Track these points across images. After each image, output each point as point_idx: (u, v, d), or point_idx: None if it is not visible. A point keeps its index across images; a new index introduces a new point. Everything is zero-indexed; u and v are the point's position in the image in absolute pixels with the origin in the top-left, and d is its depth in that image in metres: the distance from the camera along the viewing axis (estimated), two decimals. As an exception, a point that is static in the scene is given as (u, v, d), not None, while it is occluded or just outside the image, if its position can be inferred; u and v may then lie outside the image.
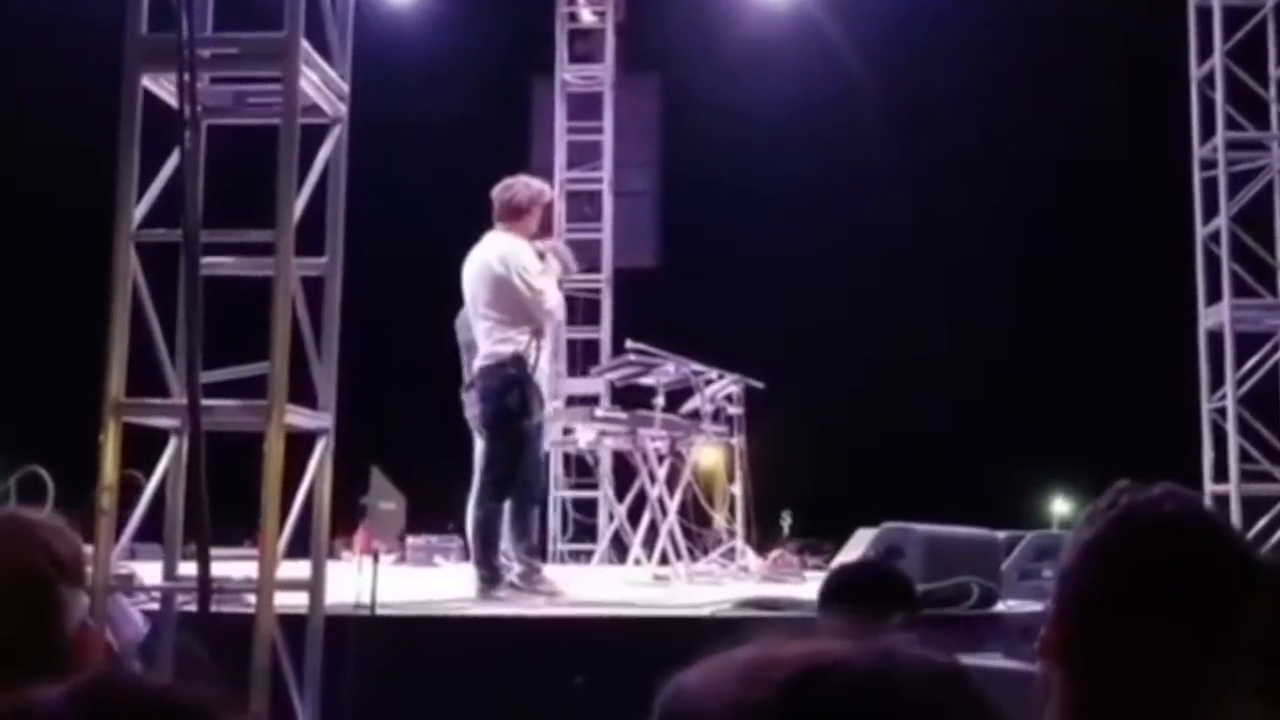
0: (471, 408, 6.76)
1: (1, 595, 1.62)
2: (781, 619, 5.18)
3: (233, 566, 4.65)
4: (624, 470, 8.92)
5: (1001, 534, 6.22)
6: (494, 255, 6.17)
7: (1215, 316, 8.44)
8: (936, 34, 14.23)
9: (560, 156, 11.97)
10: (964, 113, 16.60)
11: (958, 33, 14.22)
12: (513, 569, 5.99)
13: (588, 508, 11.18)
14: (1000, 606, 5.62)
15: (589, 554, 9.77)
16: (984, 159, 16.45)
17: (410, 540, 9.71)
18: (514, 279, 6.06)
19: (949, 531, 5.82)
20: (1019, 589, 6.04)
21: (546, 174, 12.08)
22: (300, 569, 4.59)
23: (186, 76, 4.00)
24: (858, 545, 8.05)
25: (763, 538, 8.87)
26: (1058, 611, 1.30)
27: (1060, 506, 21.49)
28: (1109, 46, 14.08)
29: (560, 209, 6.44)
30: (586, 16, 12.33)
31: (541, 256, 6.19)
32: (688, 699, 0.75)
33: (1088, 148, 16.09)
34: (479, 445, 6.75)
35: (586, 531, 11.08)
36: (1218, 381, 8.42)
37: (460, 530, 12.35)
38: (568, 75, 12.19)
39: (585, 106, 12.18)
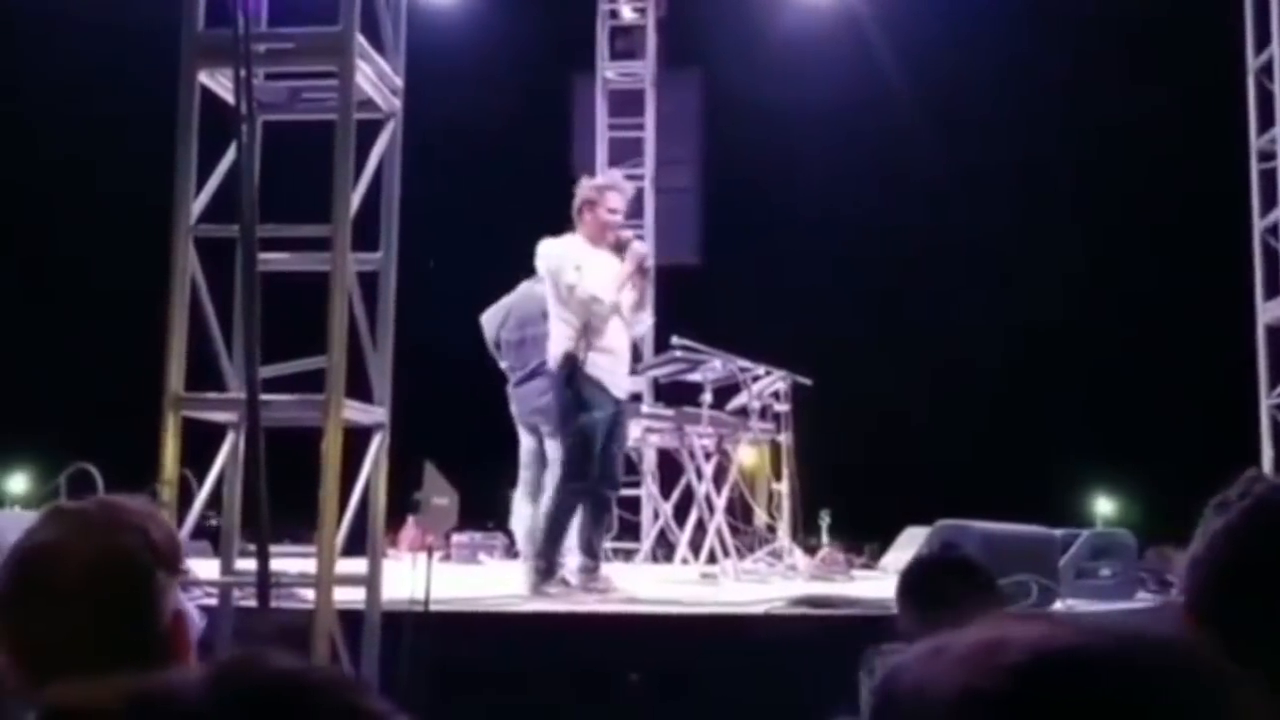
0: (516, 404, 6.77)
1: (100, 582, 1.60)
2: (838, 616, 5.14)
3: (285, 563, 4.65)
4: (667, 467, 8.88)
5: (1058, 532, 6.14)
6: (540, 259, 6.27)
7: (1274, 311, 8.31)
8: (980, 26, 14.12)
9: (601, 154, 11.94)
10: (1010, 109, 16.47)
11: (1003, 25, 14.11)
12: (567, 565, 5.98)
13: (631, 505, 11.15)
14: (1058, 605, 5.55)
15: (633, 552, 9.73)
16: (1031, 154, 16.32)
17: (454, 538, 9.71)
18: (549, 279, 6.20)
19: (1005, 529, 5.75)
20: (1076, 587, 5.96)
21: (588, 171, 12.06)
22: (351, 565, 4.59)
23: (243, 72, 4.00)
24: (909, 543, 8.00)
25: (804, 537, 8.82)
26: (1189, 601, 1.26)
27: (1104, 506, 21.27)
28: (1161, 38, 13.93)
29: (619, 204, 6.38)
30: (627, 13, 12.29)
31: (620, 250, 6.18)
32: (910, 687, 0.71)
33: (1140, 141, 15.90)
34: (524, 442, 6.76)
35: (630, 529, 11.05)
36: (1277, 377, 8.29)
37: (501, 527, 12.42)
38: (609, 72, 12.16)
39: (626, 103, 12.15)
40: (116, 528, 1.67)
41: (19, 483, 20.05)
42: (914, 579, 2.42)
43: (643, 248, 6.35)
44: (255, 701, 0.82)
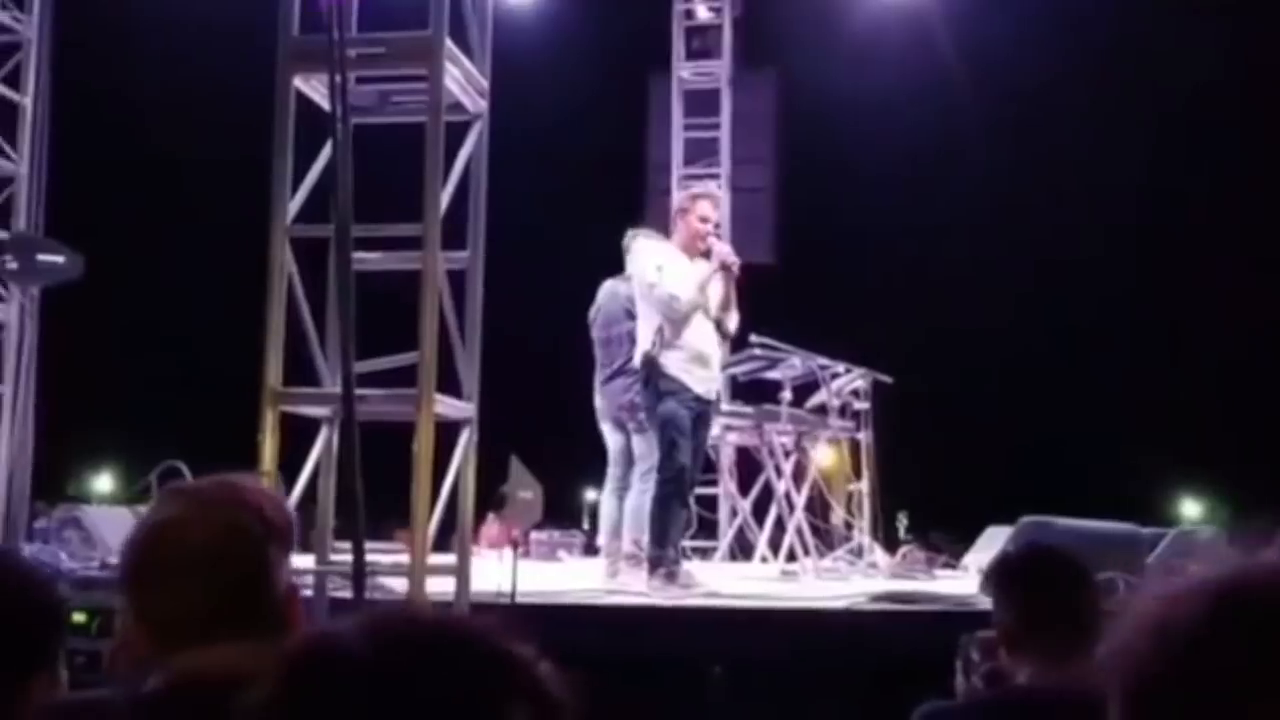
0: (602, 400, 6.85)
1: (220, 556, 1.68)
2: (921, 612, 5.14)
3: (373, 557, 4.75)
4: (744, 465, 8.90)
5: (1145, 530, 6.08)
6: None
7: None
8: (1055, 23, 13.96)
9: (677, 153, 11.99)
10: (1083, 108, 16.25)
11: (1077, 22, 13.94)
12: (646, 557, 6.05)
13: (708, 504, 11.18)
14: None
15: (710, 550, 9.76)
16: (1111, 156, 16.08)
17: (533, 535, 9.81)
18: (635, 278, 6.34)
19: (1091, 526, 5.71)
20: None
21: (664, 171, 12.15)
22: (435, 559, 4.67)
23: (338, 77, 4.10)
24: (990, 543, 7.94)
25: (883, 536, 8.79)
26: None
27: (1190, 508, 20.86)
28: (1229, 27, 13.68)
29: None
30: (703, 13, 12.32)
31: (706, 255, 6.26)
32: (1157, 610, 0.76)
33: (1216, 134, 15.63)
34: (611, 439, 6.84)
35: (707, 527, 11.08)
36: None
37: (577, 524, 12.52)
38: (685, 72, 12.20)
39: (702, 103, 12.18)
40: (235, 505, 1.75)
41: (104, 482, 20.54)
42: (1012, 569, 2.44)
43: (726, 249, 6.40)
44: (414, 648, 0.87)
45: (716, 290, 6.31)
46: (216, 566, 1.69)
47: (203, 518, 1.73)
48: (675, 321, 6.11)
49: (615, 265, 7.01)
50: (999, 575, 2.47)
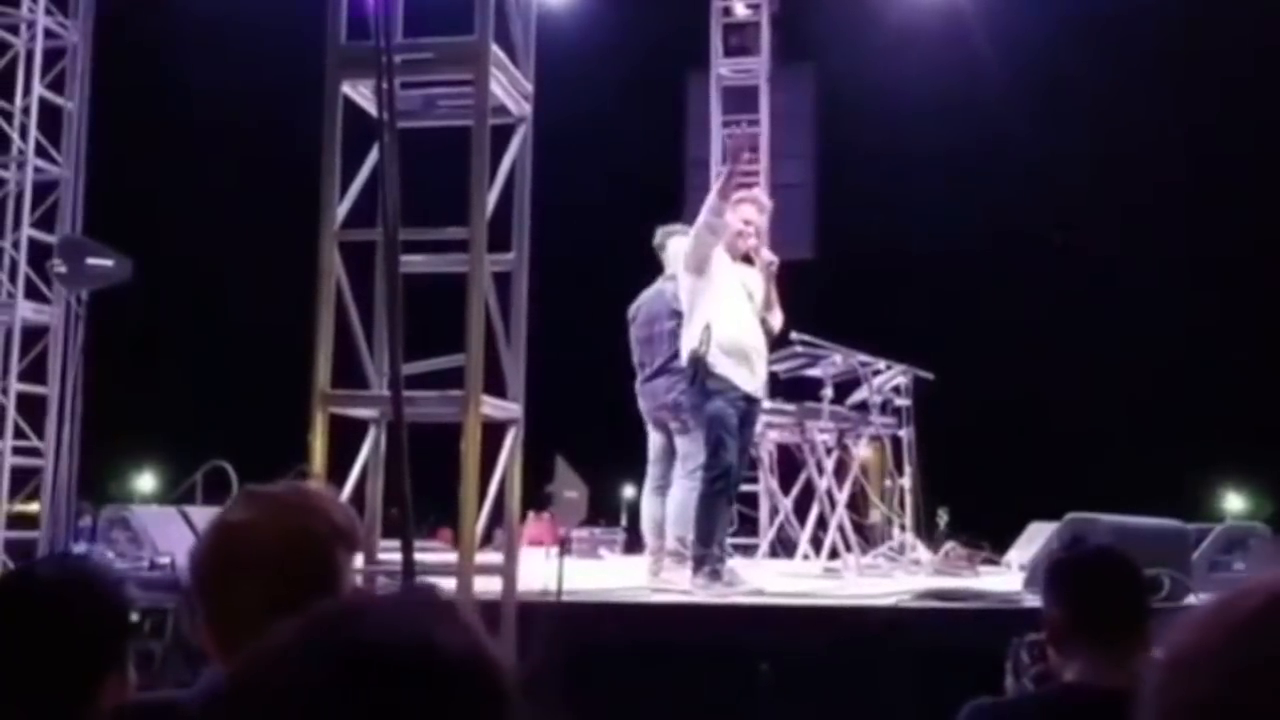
0: (644, 400, 6.88)
1: (289, 557, 1.73)
2: (966, 609, 5.15)
3: (420, 556, 4.80)
4: (785, 463, 8.90)
5: (1190, 526, 6.04)
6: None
7: None
8: (1091, 18, 13.86)
9: (716, 151, 12.00)
10: (1130, 95, 16.11)
11: (1113, 18, 13.82)
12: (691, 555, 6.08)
13: (749, 501, 11.18)
14: (1191, 599, 5.46)
15: (751, 548, 9.77)
16: (1151, 148, 15.93)
17: (574, 533, 9.86)
18: (678, 280, 6.38)
19: (1136, 522, 5.68)
20: (1210, 581, 5.85)
21: (702, 168, 12.17)
22: (481, 557, 4.72)
23: (386, 84, 4.15)
24: (1033, 538, 7.92)
25: (925, 533, 8.77)
26: None
27: (1234, 503, 20.67)
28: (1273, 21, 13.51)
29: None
30: (740, 10, 12.33)
31: (747, 257, 6.31)
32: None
33: (1254, 131, 15.45)
34: (652, 438, 6.86)
35: (747, 524, 11.09)
36: None
37: (616, 522, 12.55)
38: (722, 69, 12.22)
39: (740, 100, 12.19)
40: (304, 509, 1.80)
41: (147, 481, 20.77)
42: (1062, 567, 2.45)
43: (769, 255, 6.44)
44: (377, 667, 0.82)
45: (758, 288, 6.33)
46: (286, 567, 1.74)
47: (273, 521, 1.78)
48: (720, 321, 6.10)
49: (656, 264, 7.05)
50: (1049, 573, 2.48)
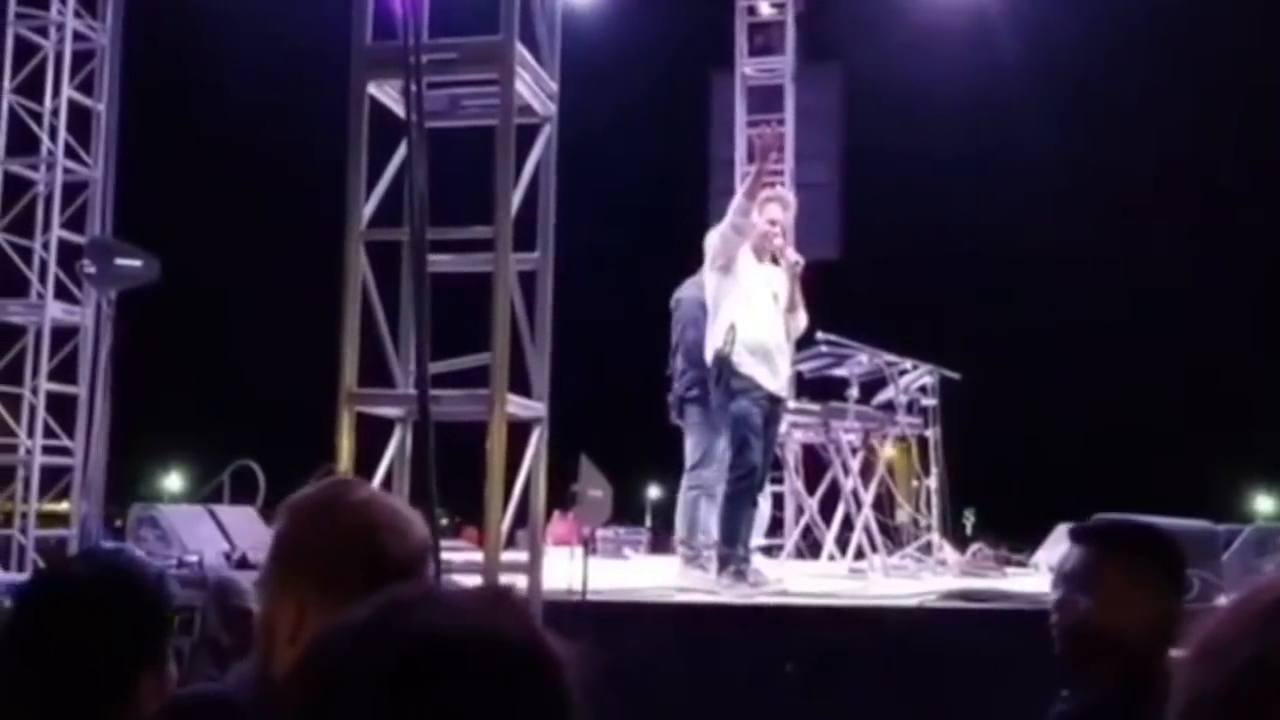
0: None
1: (336, 553, 1.71)
2: (993, 610, 5.12)
3: (445, 555, 4.81)
4: (810, 463, 8.88)
5: (1220, 527, 5.99)
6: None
7: None
8: (1118, 18, 13.77)
9: (740, 150, 11.97)
10: (1156, 94, 16.00)
11: (1139, 16, 13.73)
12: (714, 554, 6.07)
13: (774, 501, 11.14)
14: (1221, 600, 5.42)
15: (776, 548, 9.75)
16: (1177, 147, 15.83)
17: (599, 532, 9.86)
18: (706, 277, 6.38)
19: (1166, 524, 5.63)
20: (1240, 582, 5.80)
21: (727, 168, 12.15)
22: (506, 555, 4.72)
23: (413, 85, 4.15)
24: (1061, 539, 7.86)
25: (951, 535, 8.73)
26: None
27: (1263, 504, 20.50)
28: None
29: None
30: (765, 9, 12.30)
31: (775, 260, 6.29)
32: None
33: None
34: (690, 437, 6.87)
35: (773, 525, 11.05)
36: None
37: (640, 521, 12.56)
38: (748, 69, 12.19)
39: (765, 99, 12.15)
40: (348, 505, 1.80)
41: (174, 481, 20.91)
42: (1104, 538, 2.41)
43: (795, 255, 6.42)
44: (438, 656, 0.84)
45: (783, 288, 6.32)
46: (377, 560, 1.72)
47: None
48: (744, 321, 6.09)
49: (680, 263, 7.04)
50: (1085, 547, 2.44)
